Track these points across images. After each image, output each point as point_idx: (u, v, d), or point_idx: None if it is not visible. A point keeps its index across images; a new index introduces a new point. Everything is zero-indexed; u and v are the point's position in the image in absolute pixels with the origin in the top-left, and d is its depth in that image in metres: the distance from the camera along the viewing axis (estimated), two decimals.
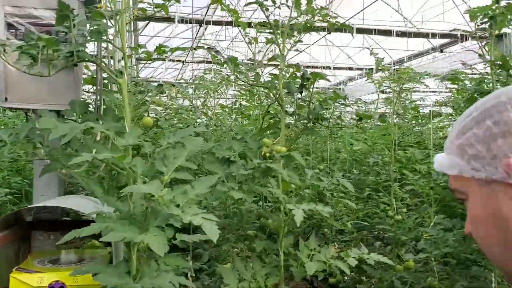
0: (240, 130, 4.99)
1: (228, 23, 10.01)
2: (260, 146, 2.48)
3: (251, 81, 2.45)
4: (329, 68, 17.70)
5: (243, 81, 2.50)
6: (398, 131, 5.37)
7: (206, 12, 14.80)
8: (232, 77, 3.01)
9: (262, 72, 2.40)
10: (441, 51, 15.19)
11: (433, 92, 16.79)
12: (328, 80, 2.37)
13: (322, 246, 4.40)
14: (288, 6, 2.41)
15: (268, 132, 2.75)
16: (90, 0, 2.01)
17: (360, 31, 13.90)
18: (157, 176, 1.72)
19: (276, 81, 2.58)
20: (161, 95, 2.00)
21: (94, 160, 1.63)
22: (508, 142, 0.77)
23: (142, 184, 1.50)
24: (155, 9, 2.90)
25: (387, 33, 12.97)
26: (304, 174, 2.65)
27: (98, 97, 2.26)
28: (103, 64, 1.93)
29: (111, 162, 1.58)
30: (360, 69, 18.16)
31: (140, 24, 16.97)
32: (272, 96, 2.59)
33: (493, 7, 2.84)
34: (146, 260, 1.73)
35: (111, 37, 2.14)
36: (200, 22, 15.24)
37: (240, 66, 2.39)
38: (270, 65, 2.45)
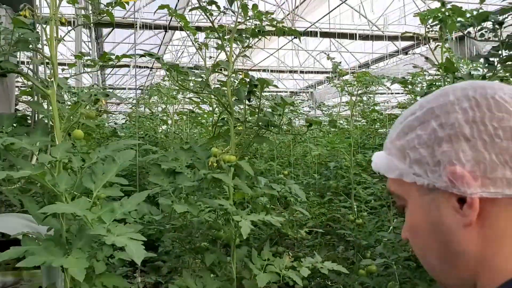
0: (197, 138, 4.89)
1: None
2: (209, 156, 2.40)
3: (198, 88, 2.37)
4: (296, 72, 17.80)
5: (187, 89, 2.41)
6: (361, 134, 5.37)
7: (171, 18, 14.67)
8: (191, 84, 2.94)
9: (207, 78, 2.31)
10: (406, 53, 15.49)
11: (399, 94, 17.09)
12: (276, 86, 2.31)
13: (287, 252, 4.34)
14: (233, 12, 2.34)
15: (219, 140, 2.67)
16: (14, 7, 1.89)
17: (325, 34, 14.06)
18: (90, 192, 1.62)
19: (224, 88, 2.51)
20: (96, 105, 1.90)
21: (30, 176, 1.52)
22: (455, 147, 0.70)
23: (62, 203, 1.39)
24: (99, 15, 2.80)
25: (350, 36, 13.14)
26: (258, 183, 2.59)
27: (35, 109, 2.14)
28: (30, 74, 1.81)
29: (34, 180, 1.47)
30: (328, 72, 18.31)
31: (105, 31, 16.71)
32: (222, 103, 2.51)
33: (442, 10, 2.85)
34: (79, 281, 1.62)
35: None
36: (164, 28, 15.12)
37: (185, 73, 2.30)
38: (220, 72, 2.37)
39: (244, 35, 2.52)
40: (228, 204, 2.17)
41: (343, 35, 12.57)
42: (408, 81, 2.79)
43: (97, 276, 1.70)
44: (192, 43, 2.86)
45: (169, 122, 5.00)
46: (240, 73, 2.35)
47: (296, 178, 5.37)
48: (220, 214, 2.85)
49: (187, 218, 2.75)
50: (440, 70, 2.80)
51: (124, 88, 19.63)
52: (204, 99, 2.82)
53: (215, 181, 2.24)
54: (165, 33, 17.24)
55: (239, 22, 2.46)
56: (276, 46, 18.20)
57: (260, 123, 2.40)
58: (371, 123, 4.64)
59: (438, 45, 2.99)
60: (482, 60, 2.21)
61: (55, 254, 1.35)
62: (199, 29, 3.09)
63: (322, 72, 18.88)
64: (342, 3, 14.31)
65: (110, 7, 2.75)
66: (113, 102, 20.97)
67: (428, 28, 2.99)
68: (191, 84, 2.65)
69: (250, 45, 2.56)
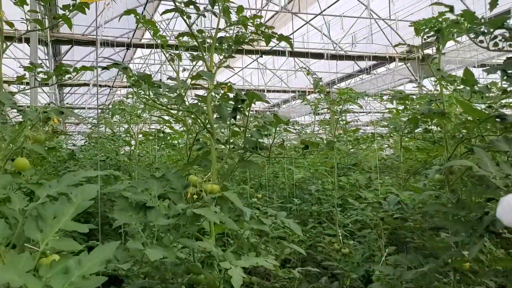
0: (165, 161, 4.48)
1: (157, 46, 9.61)
2: (186, 185, 2.01)
3: (172, 104, 1.99)
4: (263, 91, 17.67)
5: (161, 105, 2.03)
6: (337, 155, 5.09)
7: (133, 35, 14.22)
8: (164, 99, 2.56)
9: (184, 93, 1.95)
10: (368, 73, 15.61)
11: (362, 112, 17.17)
12: (268, 102, 1.97)
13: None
14: (214, 14, 1.99)
15: (197, 166, 2.28)
16: None
17: (293, 54, 13.94)
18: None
19: (203, 104, 2.14)
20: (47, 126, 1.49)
21: None
22: None
23: None
24: (54, 20, 2.40)
25: (319, 56, 13.07)
26: (243, 215, 2.21)
27: None
28: None
29: None
30: (293, 91, 18.30)
31: (63, 48, 16.03)
32: (200, 122, 2.14)
33: (440, 19, 2.60)
34: None
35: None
36: (127, 45, 14.60)
37: (158, 86, 1.92)
38: (197, 86, 2.01)
39: (225, 44, 2.17)
40: (212, 246, 1.78)
41: (312, 55, 12.45)
42: (408, 97, 2.51)
43: None
44: (163, 54, 2.49)
45: (133, 143, 4.56)
46: (223, 86, 1.99)
47: (270, 202, 5.01)
48: (199, 256, 2.46)
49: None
50: (443, 84, 2.54)
51: (84, 108, 18.85)
52: (177, 118, 2.44)
53: (196, 217, 1.85)
54: (126, 51, 16.76)
55: (219, 29, 2.11)
56: (241, 65, 18.02)
57: (247, 145, 2.04)
58: (353, 143, 4.35)
59: (435, 57, 2.74)
60: (499, 72, 1.94)
61: None
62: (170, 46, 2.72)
63: (287, 91, 18.84)
64: (305, 24, 14.29)
65: (67, 10, 2.35)
66: (72, 122, 20.16)
67: (425, 39, 2.75)
68: (164, 100, 2.26)
69: (232, 55, 2.21)
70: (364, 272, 3.41)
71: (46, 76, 2.46)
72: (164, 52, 2.51)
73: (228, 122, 2.04)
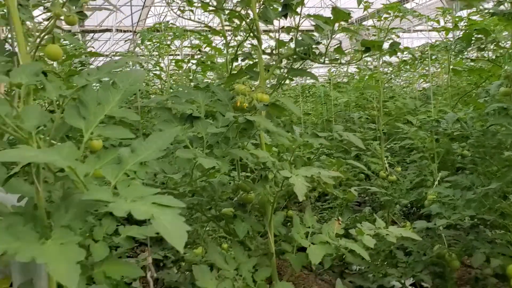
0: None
1: None
2: (232, 97, 1.82)
3: (212, 7, 1.77)
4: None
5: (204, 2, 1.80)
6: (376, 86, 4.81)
7: None
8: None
9: None
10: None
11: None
12: None
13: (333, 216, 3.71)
14: None
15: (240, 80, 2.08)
16: None
17: None
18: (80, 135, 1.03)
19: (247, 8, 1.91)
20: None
21: None
22: None
23: (30, 148, 0.82)
24: None
25: None
26: (292, 131, 2.02)
27: None
28: None
29: None
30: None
31: None
32: (243, 29, 1.92)
33: None
34: None
35: None
36: None
37: None
38: None
39: None
40: (267, 156, 1.61)
41: None
42: None
43: (97, 265, 1.14)
44: None
45: (163, 76, 4.37)
46: None
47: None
48: (241, 174, 2.31)
49: (198, 180, 2.20)
50: None
51: (107, 55, 18.72)
52: (214, 30, 2.22)
53: (246, 127, 1.67)
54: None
55: None
56: None
57: (299, 50, 1.81)
58: (400, 64, 4.04)
59: None
60: None
61: (24, 237, 0.79)
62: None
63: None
64: None
65: None
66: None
67: None
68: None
69: None
70: (414, 198, 3.23)
71: None
72: None
73: (277, 24, 1.81)
